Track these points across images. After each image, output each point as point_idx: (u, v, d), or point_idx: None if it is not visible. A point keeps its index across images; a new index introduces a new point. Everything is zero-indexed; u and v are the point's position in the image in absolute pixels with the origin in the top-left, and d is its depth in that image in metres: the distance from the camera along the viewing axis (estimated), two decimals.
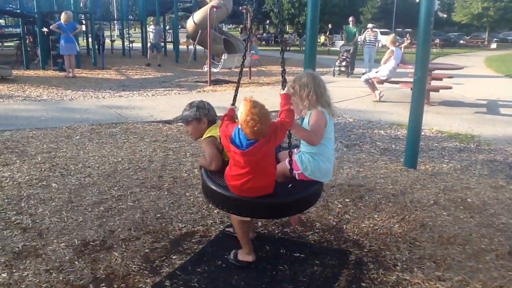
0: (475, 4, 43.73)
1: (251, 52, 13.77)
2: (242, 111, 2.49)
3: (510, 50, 37.42)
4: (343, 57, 15.00)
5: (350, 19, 16.03)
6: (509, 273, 2.99)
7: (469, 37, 47.86)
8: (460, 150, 6.08)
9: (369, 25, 15.98)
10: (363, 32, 16.30)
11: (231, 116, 2.80)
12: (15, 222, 3.58)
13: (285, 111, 2.66)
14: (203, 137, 3.11)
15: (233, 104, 2.94)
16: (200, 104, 3.25)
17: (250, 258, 2.96)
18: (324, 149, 2.92)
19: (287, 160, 2.87)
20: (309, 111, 2.92)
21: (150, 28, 17.49)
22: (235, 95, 3.03)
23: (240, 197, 2.63)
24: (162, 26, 18.63)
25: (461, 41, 43.26)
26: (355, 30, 15.81)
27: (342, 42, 16.34)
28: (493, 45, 42.61)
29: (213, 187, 2.77)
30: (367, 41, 15.43)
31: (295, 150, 3.04)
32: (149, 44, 18.16)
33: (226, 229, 3.46)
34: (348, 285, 2.83)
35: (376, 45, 15.97)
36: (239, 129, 2.57)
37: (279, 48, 2.91)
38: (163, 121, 7.33)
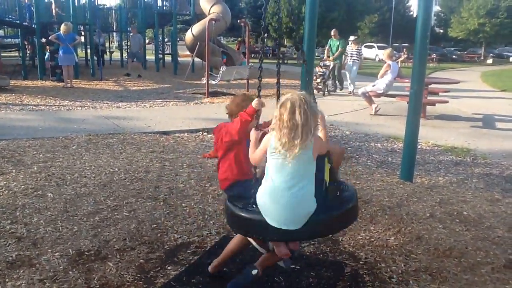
0: (471, 20, 44.12)
1: (250, 65, 13.85)
2: None
3: (506, 65, 37.72)
4: (320, 73, 13.42)
5: (332, 32, 14.37)
6: (505, 286, 2.99)
7: (466, 52, 48.27)
8: (456, 164, 6.10)
9: (351, 38, 14.37)
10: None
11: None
12: (10, 231, 3.56)
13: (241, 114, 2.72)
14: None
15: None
16: None
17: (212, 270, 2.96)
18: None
19: None
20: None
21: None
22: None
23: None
24: (140, 34, 17.62)
25: (454, 56, 43.66)
26: (338, 43, 14.11)
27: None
28: (489, 61, 42.94)
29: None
30: (349, 55, 13.91)
31: None
32: (127, 53, 18.06)
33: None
34: None
35: (360, 59, 14.15)
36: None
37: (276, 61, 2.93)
38: (160, 132, 7.34)
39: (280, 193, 2.40)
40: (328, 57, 14.41)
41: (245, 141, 2.76)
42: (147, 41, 25.52)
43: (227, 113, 3.03)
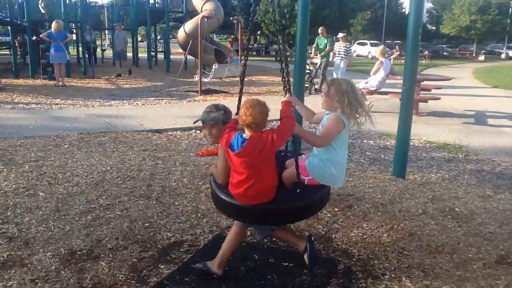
0: (463, 17, 44.35)
1: (242, 62, 13.81)
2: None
3: (498, 62, 38.01)
4: (307, 71, 12.23)
5: (320, 30, 13.78)
6: (496, 282, 3.00)
7: (457, 49, 48.52)
8: (448, 160, 6.13)
9: (340, 35, 13.67)
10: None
11: (233, 126, 2.77)
12: (1, 231, 3.53)
13: (285, 117, 2.67)
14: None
15: (237, 113, 2.86)
16: (226, 108, 3.04)
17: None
18: (334, 154, 2.91)
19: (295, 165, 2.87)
20: (327, 114, 2.96)
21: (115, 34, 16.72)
22: (238, 106, 2.89)
23: (246, 205, 2.66)
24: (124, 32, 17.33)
25: (445, 53, 43.91)
26: (325, 41, 13.56)
27: (331, 53, 14.18)
28: (481, 57, 43.21)
29: (221, 196, 2.80)
30: (337, 52, 13.27)
31: (303, 156, 3.08)
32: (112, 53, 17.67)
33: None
34: None
35: (348, 57, 13.57)
36: (239, 134, 2.62)
37: (269, 58, 2.92)
38: (152, 130, 7.31)
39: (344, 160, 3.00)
40: (316, 55, 13.99)
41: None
42: (139, 38, 25.43)
43: (251, 124, 2.58)
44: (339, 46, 13.29)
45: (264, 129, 2.62)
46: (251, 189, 2.61)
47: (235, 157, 2.60)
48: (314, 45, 14.29)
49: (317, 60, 13.65)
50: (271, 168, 2.69)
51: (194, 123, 3.16)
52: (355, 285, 2.93)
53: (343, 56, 13.22)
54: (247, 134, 2.60)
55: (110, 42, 18.10)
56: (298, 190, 2.83)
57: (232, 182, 2.69)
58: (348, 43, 14.31)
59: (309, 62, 13.47)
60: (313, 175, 2.90)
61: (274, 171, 2.73)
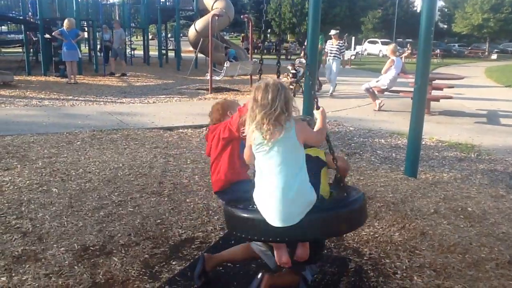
0: (475, 15, 43.90)
1: (254, 60, 13.82)
2: None
3: (510, 61, 37.55)
4: (293, 71, 12.17)
5: None
6: (509, 282, 2.98)
7: (469, 48, 48.11)
8: (460, 160, 6.08)
9: (332, 31, 12.61)
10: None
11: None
12: (15, 226, 3.57)
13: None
14: None
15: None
16: None
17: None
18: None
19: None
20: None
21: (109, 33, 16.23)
22: None
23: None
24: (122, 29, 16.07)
25: (453, 51, 43.62)
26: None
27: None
28: (494, 56, 42.79)
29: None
30: (329, 51, 12.32)
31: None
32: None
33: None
34: None
35: (342, 56, 12.65)
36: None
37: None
38: (164, 128, 7.35)
39: (275, 187, 2.26)
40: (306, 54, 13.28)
41: (240, 140, 2.65)
42: (150, 36, 25.49)
43: (212, 123, 2.94)
44: (331, 44, 12.31)
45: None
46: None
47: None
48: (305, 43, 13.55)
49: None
50: (227, 161, 2.74)
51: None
52: (366, 284, 2.93)
53: (335, 55, 12.25)
54: None
55: (101, 42, 17.63)
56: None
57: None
58: (341, 41, 13.33)
59: (297, 62, 12.87)
60: None
61: (227, 164, 2.75)
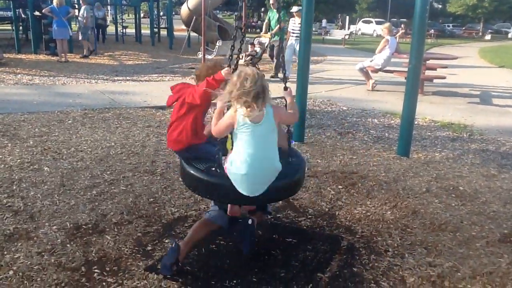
0: None
1: (247, 39, 13.65)
2: None
3: (504, 41, 37.54)
4: (250, 52, 11.08)
5: (271, 1, 11.21)
6: (499, 260, 3.02)
7: (464, 28, 47.97)
8: (452, 139, 6.10)
9: (294, 8, 10.72)
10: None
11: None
12: (7, 205, 3.55)
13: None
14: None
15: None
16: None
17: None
18: None
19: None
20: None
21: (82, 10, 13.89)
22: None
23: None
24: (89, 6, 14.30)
25: (447, 32, 43.59)
26: (278, 15, 9.85)
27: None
28: (487, 37, 42.70)
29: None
30: (291, 30, 10.60)
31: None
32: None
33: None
34: (340, 270, 2.85)
35: None
36: None
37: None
38: (157, 107, 7.29)
39: (255, 163, 2.48)
40: (267, 33, 11.52)
41: (205, 106, 2.82)
42: (142, 15, 25.13)
43: (195, 74, 3.02)
44: (294, 23, 10.52)
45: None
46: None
47: None
48: (266, 20, 11.83)
49: (265, 39, 11.33)
50: (190, 123, 2.78)
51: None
52: (358, 262, 2.96)
53: (298, 35, 9.80)
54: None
55: (113, 18, 17.35)
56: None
57: None
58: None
59: (255, 42, 11.72)
60: None
61: (190, 126, 2.79)
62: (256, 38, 11.93)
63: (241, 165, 2.48)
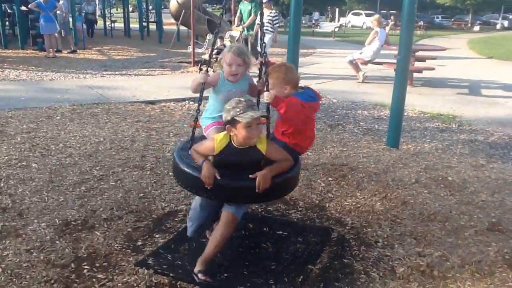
0: None
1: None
2: None
3: (493, 32, 37.76)
4: (221, 47, 9.35)
5: None
6: (487, 248, 3.05)
7: (452, 19, 48.17)
8: (442, 130, 6.14)
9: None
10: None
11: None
12: None
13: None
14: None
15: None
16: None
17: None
18: None
19: None
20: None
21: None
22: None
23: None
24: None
25: (436, 23, 43.86)
26: (249, 7, 10.33)
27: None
28: (476, 28, 42.91)
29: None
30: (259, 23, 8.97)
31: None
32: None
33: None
34: (330, 262, 2.87)
35: (274, 29, 10.51)
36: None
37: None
38: (146, 102, 7.25)
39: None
40: (238, 26, 10.92)
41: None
42: (131, 9, 24.92)
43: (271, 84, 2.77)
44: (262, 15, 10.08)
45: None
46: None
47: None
48: (238, 14, 11.16)
49: (236, 33, 10.76)
50: None
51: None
52: (349, 253, 2.97)
53: (267, 28, 10.00)
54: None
55: (101, 13, 17.11)
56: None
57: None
58: (273, 11, 11.23)
59: (226, 36, 10.89)
60: None
61: None
62: (227, 32, 11.20)
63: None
